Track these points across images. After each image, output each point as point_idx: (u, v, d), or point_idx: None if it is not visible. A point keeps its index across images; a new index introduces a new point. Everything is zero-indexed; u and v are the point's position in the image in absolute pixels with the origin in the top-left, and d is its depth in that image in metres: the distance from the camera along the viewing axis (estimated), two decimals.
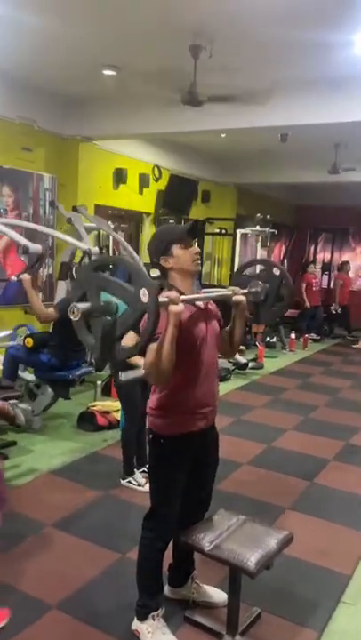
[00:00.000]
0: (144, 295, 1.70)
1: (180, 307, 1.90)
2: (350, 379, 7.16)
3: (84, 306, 1.83)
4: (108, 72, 4.86)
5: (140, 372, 3.06)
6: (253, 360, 7.26)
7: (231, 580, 2.13)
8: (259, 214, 8.68)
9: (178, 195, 7.96)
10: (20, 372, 4.44)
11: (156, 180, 7.66)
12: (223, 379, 6.26)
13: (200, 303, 2.17)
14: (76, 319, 1.84)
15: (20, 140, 5.62)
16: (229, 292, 2.28)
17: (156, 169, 7.62)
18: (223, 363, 6.34)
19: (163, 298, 1.85)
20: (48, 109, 5.81)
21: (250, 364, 7.05)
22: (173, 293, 1.92)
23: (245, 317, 2.32)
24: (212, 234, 9.01)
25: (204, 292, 2.36)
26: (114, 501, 3.33)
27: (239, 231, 8.50)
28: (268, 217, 8.78)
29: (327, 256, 12.20)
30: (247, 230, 8.57)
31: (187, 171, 8.25)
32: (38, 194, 5.94)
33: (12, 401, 4.17)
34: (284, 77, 4.81)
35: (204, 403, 2.15)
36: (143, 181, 7.36)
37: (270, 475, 3.90)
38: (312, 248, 12.37)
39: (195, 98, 4.10)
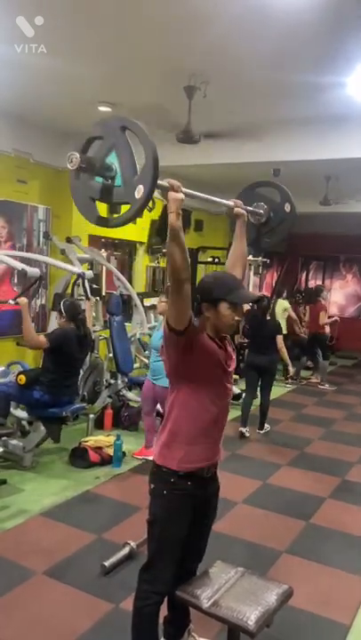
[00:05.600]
0: (138, 192, 1.67)
1: (180, 195, 1.85)
2: (344, 409, 7.13)
3: (84, 158, 1.78)
4: (103, 108, 4.92)
5: None
6: None
7: (230, 638, 2.05)
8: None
9: None
10: (12, 410, 4.37)
11: (150, 209, 7.69)
12: None
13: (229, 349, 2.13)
14: (73, 167, 1.79)
15: (15, 173, 5.66)
16: (231, 203, 2.25)
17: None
18: None
19: (164, 182, 1.79)
20: (43, 142, 5.87)
21: (243, 394, 6.98)
22: (174, 181, 1.86)
23: (245, 235, 2.28)
24: (205, 262, 9.05)
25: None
26: (107, 545, 3.23)
27: None
28: None
29: (319, 283, 12.29)
30: None
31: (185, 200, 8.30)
32: (32, 225, 5.94)
33: (3, 438, 4.12)
34: (277, 116, 4.91)
35: (217, 434, 2.11)
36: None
37: (266, 515, 3.83)
38: (303, 276, 12.46)
39: (190, 137, 4.15)
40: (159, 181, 1.76)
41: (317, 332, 8.61)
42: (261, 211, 2.40)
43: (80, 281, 4.92)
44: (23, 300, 4.05)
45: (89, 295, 4.90)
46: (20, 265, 4.46)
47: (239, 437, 5.52)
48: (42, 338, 4.14)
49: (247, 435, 5.58)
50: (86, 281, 4.89)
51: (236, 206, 2.26)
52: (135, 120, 1.78)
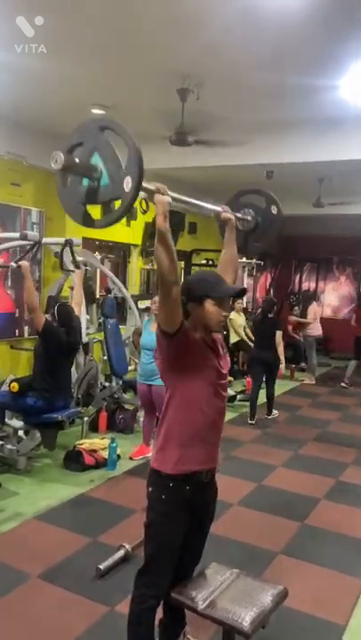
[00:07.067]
0: (127, 184, 1.68)
1: (167, 198, 1.87)
2: (338, 410, 7.15)
3: (69, 157, 1.77)
4: (96, 111, 4.92)
5: None
6: (241, 392, 7.23)
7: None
8: None
9: None
10: (7, 420, 4.35)
11: (144, 212, 7.71)
12: None
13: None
14: (57, 167, 1.78)
15: (8, 176, 5.65)
16: (219, 209, 2.25)
17: (143, 202, 7.66)
18: None
19: (150, 185, 1.81)
20: (37, 145, 5.85)
21: (238, 397, 7.01)
22: (160, 185, 1.88)
23: (235, 240, 2.30)
24: (200, 264, 9.06)
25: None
26: (102, 548, 3.22)
27: None
28: None
29: (312, 285, 12.36)
30: None
31: (174, 203, 8.31)
32: (26, 228, 5.92)
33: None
34: (271, 118, 4.93)
35: (213, 438, 2.10)
36: (131, 214, 7.40)
37: (261, 516, 3.83)
38: (297, 277, 12.51)
39: (183, 139, 4.16)
40: (145, 184, 1.77)
41: None
42: (249, 217, 2.41)
43: (68, 248, 4.87)
44: (24, 262, 4.15)
45: (78, 263, 4.86)
46: (16, 234, 4.66)
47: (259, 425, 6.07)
48: (41, 316, 4.17)
49: (253, 422, 6.15)
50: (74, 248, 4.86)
51: (224, 211, 2.27)
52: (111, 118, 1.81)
